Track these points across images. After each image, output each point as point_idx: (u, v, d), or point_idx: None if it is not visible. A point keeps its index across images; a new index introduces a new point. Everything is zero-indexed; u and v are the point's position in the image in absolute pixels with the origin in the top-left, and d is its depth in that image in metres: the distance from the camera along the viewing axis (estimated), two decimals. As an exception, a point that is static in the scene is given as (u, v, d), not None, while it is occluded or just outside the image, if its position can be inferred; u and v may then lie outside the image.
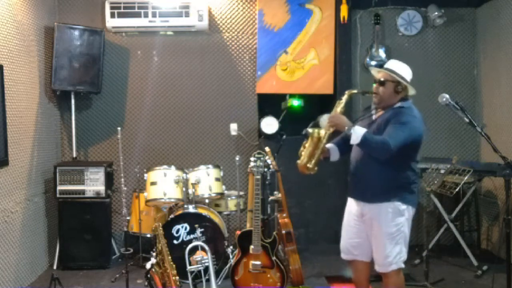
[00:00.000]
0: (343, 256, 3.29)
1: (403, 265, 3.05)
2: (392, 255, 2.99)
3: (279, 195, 4.05)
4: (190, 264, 3.79)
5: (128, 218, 4.66)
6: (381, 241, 3.00)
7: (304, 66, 5.16)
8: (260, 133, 5.12)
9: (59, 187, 4.54)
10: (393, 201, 2.97)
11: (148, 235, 4.59)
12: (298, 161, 3.08)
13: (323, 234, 5.01)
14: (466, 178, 4.06)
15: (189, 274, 3.79)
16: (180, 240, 4.20)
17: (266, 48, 5.15)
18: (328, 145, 3.15)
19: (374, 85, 3.09)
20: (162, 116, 5.25)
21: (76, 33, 4.74)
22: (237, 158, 4.50)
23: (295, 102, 5.15)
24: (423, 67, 5.31)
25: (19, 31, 4.17)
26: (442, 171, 4.18)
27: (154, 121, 5.25)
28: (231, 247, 4.35)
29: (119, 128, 4.31)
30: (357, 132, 2.86)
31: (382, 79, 3.05)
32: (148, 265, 3.50)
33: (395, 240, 2.99)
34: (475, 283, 4.22)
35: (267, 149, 4.10)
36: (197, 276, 3.85)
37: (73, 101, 4.93)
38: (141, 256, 4.60)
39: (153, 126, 5.25)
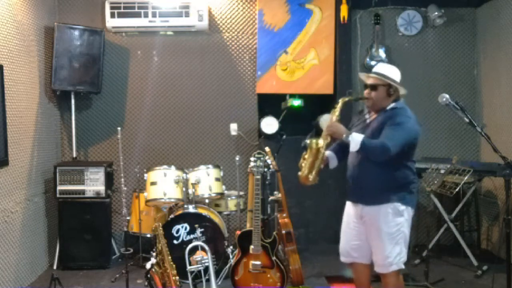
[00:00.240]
0: (343, 259, 3.29)
1: (403, 266, 3.05)
2: (392, 256, 3.00)
3: (279, 195, 4.05)
4: (190, 264, 3.79)
5: (128, 218, 4.66)
6: (381, 242, 3.00)
7: (304, 66, 5.16)
8: (260, 133, 5.11)
9: (59, 187, 4.54)
10: (392, 202, 2.98)
11: (148, 235, 4.59)
12: (299, 173, 3.09)
13: (323, 234, 5.01)
14: (466, 178, 4.07)
15: (189, 274, 3.79)
16: (180, 240, 4.20)
17: (266, 48, 5.15)
18: (326, 153, 3.16)
19: (366, 90, 3.10)
20: (162, 116, 5.25)
21: (76, 33, 4.74)
22: (237, 158, 4.50)
23: (295, 102, 5.14)
24: (423, 67, 5.32)
25: (19, 31, 4.17)
26: (442, 171, 4.19)
27: (154, 121, 5.25)
28: (231, 247, 4.35)
29: (119, 128, 4.31)
30: (355, 139, 2.89)
31: (373, 84, 3.06)
32: (148, 265, 3.50)
33: (395, 240, 2.99)
34: (475, 283, 4.22)
35: (267, 149, 4.10)
36: (197, 276, 3.85)
37: (73, 101, 4.93)
38: (141, 256, 4.60)
39: (153, 126, 5.25)
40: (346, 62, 5.13)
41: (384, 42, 5.29)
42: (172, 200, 4.39)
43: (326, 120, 4.80)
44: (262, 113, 5.17)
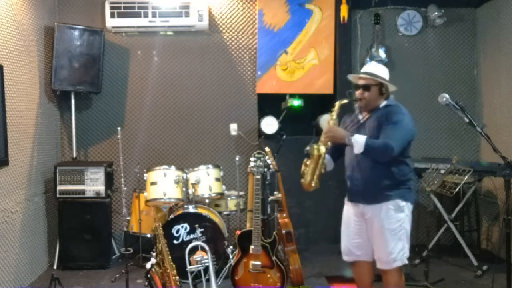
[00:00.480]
0: (346, 258, 3.29)
1: (406, 261, 3.09)
2: (396, 252, 3.02)
3: (279, 195, 4.05)
4: (190, 264, 3.79)
5: (128, 218, 4.66)
6: (384, 238, 3.03)
7: (304, 66, 5.16)
8: (260, 133, 5.11)
9: (59, 187, 4.54)
10: (393, 199, 3.02)
11: (148, 235, 4.59)
12: (302, 180, 3.13)
13: (323, 234, 5.01)
14: (466, 178, 4.06)
15: (189, 274, 3.79)
16: (180, 240, 4.20)
17: (266, 48, 5.15)
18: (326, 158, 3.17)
19: (358, 91, 3.11)
20: (162, 116, 5.25)
21: (76, 33, 4.74)
22: (237, 158, 4.50)
23: (295, 102, 5.15)
24: (423, 67, 5.32)
25: (19, 31, 4.17)
26: (442, 171, 4.18)
27: (154, 121, 5.25)
28: (231, 247, 4.35)
29: (119, 128, 4.31)
30: (359, 142, 2.91)
31: (366, 84, 3.08)
32: (148, 265, 3.50)
33: (397, 236, 3.02)
34: (475, 283, 4.22)
35: (267, 149, 4.10)
36: (197, 276, 3.85)
37: (73, 101, 4.93)
38: (141, 256, 4.60)
39: (153, 126, 5.25)
40: (346, 62, 5.13)
41: (384, 42, 5.29)
42: (172, 200, 4.39)
43: (326, 120, 4.82)
44: (262, 113, 5.17)
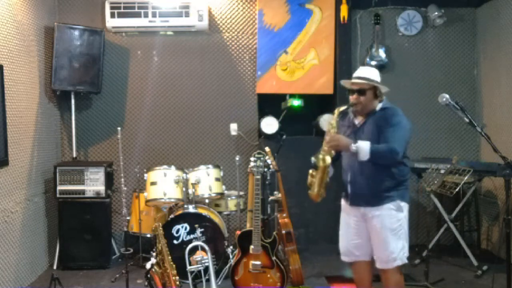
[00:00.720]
0: (345, 258, 3.31)
1: (406, 261, 3.12)
2: (396, 251, 3.05)
3: (279, 195, 4.05)
4: (190, 264, 3.79)
5: (128, 218, 4.66)
6: (385, 238, 3.05)
7: (304, 66, 5.16)
8: (260, 133, 5.11)
9: (59, 187, 4.54)
10: (395, 200, 3.05)
11: (148, 235, 4.59)
12: (310, 192, 3.17)
13: (323, 234, 5.01)
14: (466, 178, 4.07)
15: (189, 274, 3.79)
16: (180, 240, 4.20)
17: (266, 48, 5.15)
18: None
19: (353, 96, 3.11)
20: (162, 116, 5.25)
21: (76, 33, 4.74)
22: (237, 158, 4.50)
23: (295, 102, 5.15)
24: (423, 67, 5.32)
25: (19, 31, 4.17)
26: (442, 171, 4.19)
27: (154, 121, 5.25)
28: (231, 247, 4.35)
29: (119, 128, 4.31)
30: (364, 149, 2.93)
31: (361, 89, 3.08)
32: (148, 265, 3.50)
33: (397, 235, 3.05)
34: (475, 283, 4.22)
35: (267, 149, 4.10)
36: (197, 276, 3.85)
37: (73, 101, 4.93)
38: (141, 256, 4.60)
39: (153, 126, 5.25)
40: (346, 62, 5.13)
41: (384, 42, 5.29)
42: (172, 200, 4.39)
43: (326, 120, 4.83)
44: (262, 113, 5.17)
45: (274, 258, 3.75)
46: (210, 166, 4.54)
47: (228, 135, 5.26)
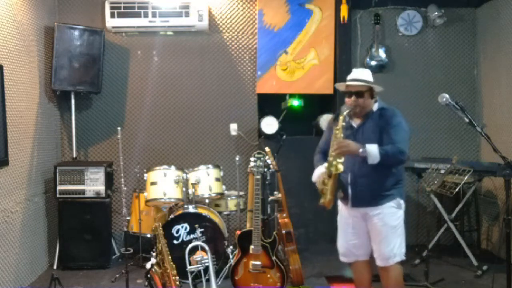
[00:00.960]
0: (344, 259, 3.33)
1: (404, 257, 3.15)
2: (396, 247, 3.10)
3: (279, 195, 4.05)
4: (190, 264, 3.79)
5: (128, 218, 4.66)
6: (386, 236, 3.08)
7: (304, 66, 5.16)
8: (260, 133, 5.11)
9: (59, 187, 4.54)
10: (395, 198, 3.10)
11: (148, 235, 4.59)
12: (322, 200, 3.14)
13: (323, 234, 5.01)
14: (466, 178, 4.07)
15: (189, 274, 3.79)
16: (180, 240, 4.20)
17: (266, 48, 5.15)
18: (324, 165, 3.18)
19: (351, 99, 3.10)
20: (162, 116, 5.25)
21: (76, 33, 4.74)
22: (237, 158, 4.50)
23: (295, 102, 5.15)
24: (423, 67, 5.32)
25: (19, 31, 4.17)
26: (442, 171, 4.19)
27: (154, 121, 5.25)
28: (231, 247, 4.35)
29: (119, 128, 4.31)
30: (373, 153, 2.94)
31: (359, 91, 3.08)
32: (148, 265, 3.50)
33: (397, 233, 3.11)
34: (475, 283, 4.22)
35: (267, 149, 4.10)
36: (197, 276, 3.85)
37: (73, 101, 4.93)
38: (141, 256, 4.60)
39: (153, 126, 5.25)
40: (346, 62, 5.13)
41: (384, 42, 5.29)
42: (172, 200, 4.39)
43: (326, 120, 4.83)
44: (262, 113, 5.17)
45: (274, 258, 3.75)
46: (210, 166, 4.54)
47: (228, 135, 5.26)
